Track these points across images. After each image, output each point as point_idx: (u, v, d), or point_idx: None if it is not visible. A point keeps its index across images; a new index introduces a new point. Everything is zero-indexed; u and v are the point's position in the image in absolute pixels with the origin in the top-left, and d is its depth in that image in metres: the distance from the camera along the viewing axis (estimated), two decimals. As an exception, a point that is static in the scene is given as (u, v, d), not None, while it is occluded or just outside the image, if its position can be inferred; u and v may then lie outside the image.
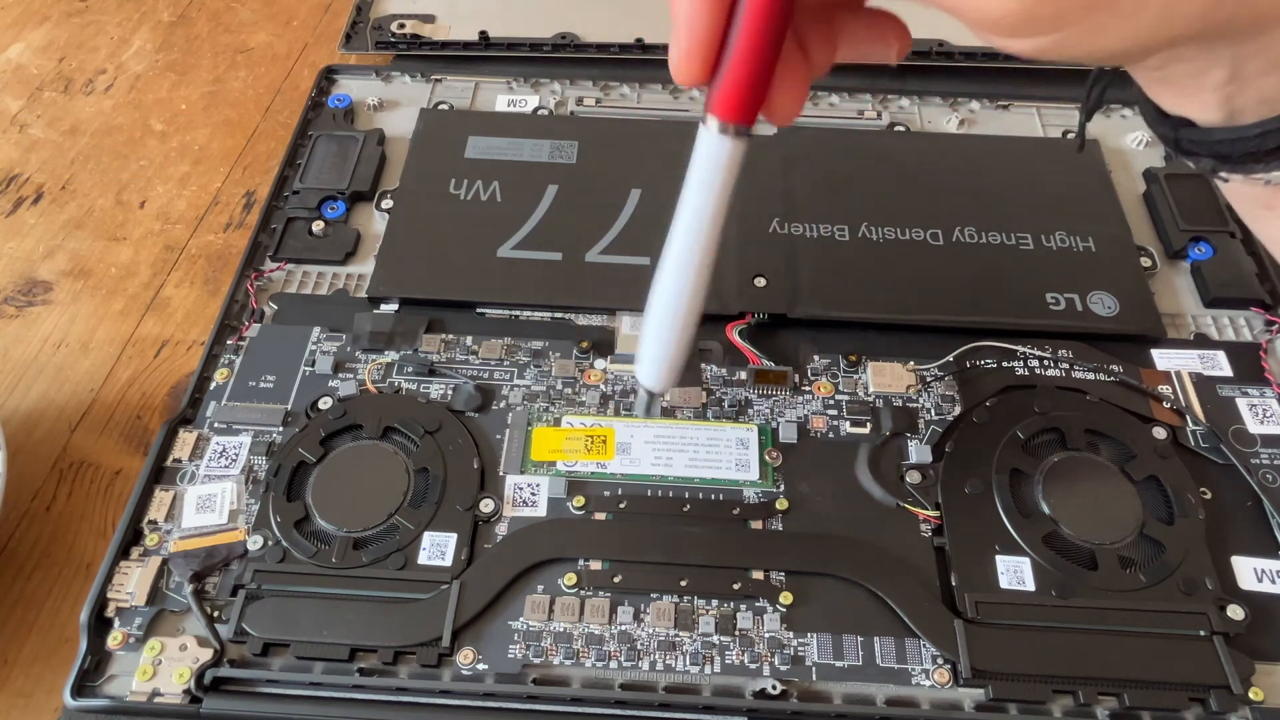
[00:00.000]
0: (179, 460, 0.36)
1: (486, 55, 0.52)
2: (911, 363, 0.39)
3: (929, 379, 0.38)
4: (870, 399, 0.38)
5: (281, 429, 0.37)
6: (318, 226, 0.43)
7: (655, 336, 0.25)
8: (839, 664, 0.31)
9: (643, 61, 0.51)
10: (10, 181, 0.48)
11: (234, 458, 0.36)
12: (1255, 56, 0.20)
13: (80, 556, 0.36)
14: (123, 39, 0.55)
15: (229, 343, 0.39)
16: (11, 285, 0.44)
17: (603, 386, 0.38)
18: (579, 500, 0.35)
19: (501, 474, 0.36)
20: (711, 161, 0.22)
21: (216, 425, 0.37)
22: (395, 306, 0.41)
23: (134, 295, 0.44)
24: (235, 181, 0.48)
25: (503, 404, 0.38)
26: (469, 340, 0.39)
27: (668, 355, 0.26)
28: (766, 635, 0.32)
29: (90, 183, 0.48)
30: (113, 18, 0.56)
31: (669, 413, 0.37)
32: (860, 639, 0.32)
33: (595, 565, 0.33)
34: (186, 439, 0.36)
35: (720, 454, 0.36)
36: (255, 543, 0.34)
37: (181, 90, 0.53)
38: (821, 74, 0.24)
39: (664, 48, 0.52)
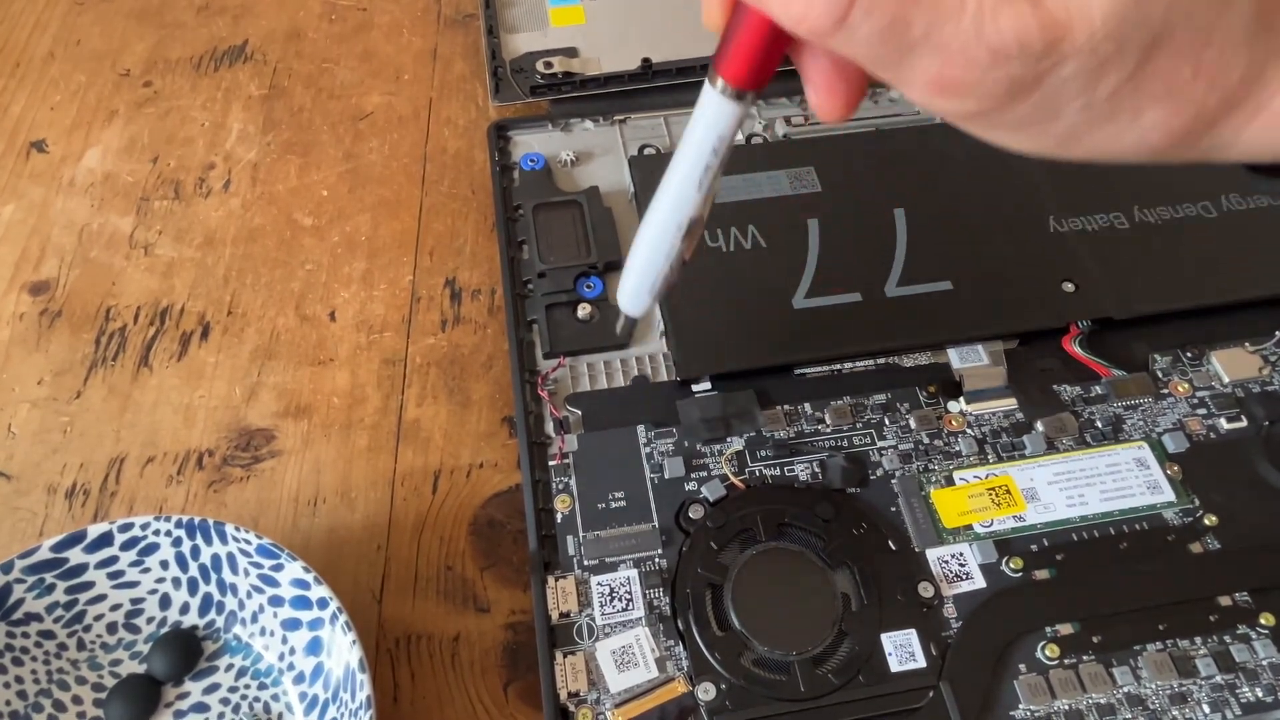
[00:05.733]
0: (567, 614, 0.31)
1: (653, 86, 0.47)
2: (1246, 344, 0.38)
3: (1271, 357, 0.38)
4: (1229, 389, 0.37)
5: (661, 551, 0.32)
6: (583, 310, 0.38)
7: (642, 268, 0.26)
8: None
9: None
10: (163, 317, 0.40)
11: (628, 597, 0.31)
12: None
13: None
14: (217, 124, 0.47)
15: (552, 464, 0.34)
16: (226, 442, 0.37)
17: (969, 430, 0.35)
18: (1016, 562, 0.32)
19: (917, 550, 0.33)
20: (708, 118, 0.23)
21: (587, 563, 0.32)
22: (708, 385, 0.36)
23: (375, 425, 0.38)
24: (427, 271, 0.42)
25: (879, 471, 0.34)
26: (808, 408, 0.36)
27: (651, 285, 0.27)
28: (1266, 662, 0.31)
29: (259, 301, 0.41)
30: (193, 101, 0.48)
31: (1051, 445, 0.35)
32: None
33: (1066, 629, 0.31)
34: (564, 588, 0.31)
35: (1127, 479, 0.34)
36: (707, 691, 0.29)
37: (313, 173, 0.45)
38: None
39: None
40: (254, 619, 0.32)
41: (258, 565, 0.31)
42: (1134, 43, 0.18)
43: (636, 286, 0.27)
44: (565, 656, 0.30)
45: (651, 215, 0.25)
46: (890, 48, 0.18)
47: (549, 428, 0.36)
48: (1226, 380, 0.37)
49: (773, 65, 0.21)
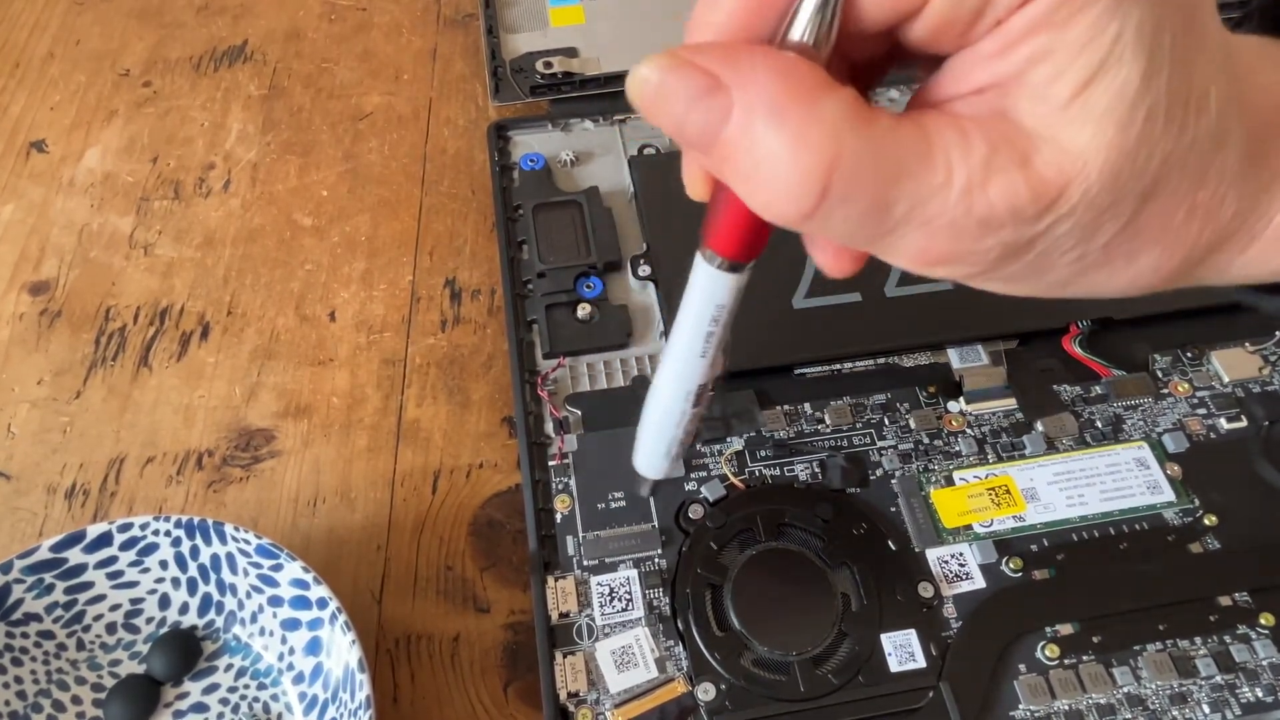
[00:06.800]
0: (567, 614, 0.31)
1: (653, 84, 0.47)
2: (1246, 344, 0.38)
3: (1271, 357, 0.38)
4: (1229, 389, 0.37)
5: (661, 551, 0.32)
6: (583, 310, 0.38)
7: (655, 435, 0.26)
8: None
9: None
10: (162, 317, 0.40)
11: (628, 597, 0.31)
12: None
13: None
14: (216, 124, 0.47)
15: (552, 464, 0.34)
16: (226, 442, 0.37)
17: (969, 430, 0.35)
18: (1016, 562, 0.32)
19: (917, 550, 0.33)
20: (704, 289, 0.22)
21: (587, 564, 0.32)
22: (708, 385, 0.36)
23: (374, 425, 0.38)
24: (427, 271, 0.42)
25: (879, 471, 0.34)
26: (808, 408, 0.36)
27: (666, 450, 0.26)
28: (1266, 662, 0.31)
29: (258, 301, 0.41)
30: (192, 101, 0.48)
31: (1051, 445, 0.35)
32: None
33: (1066, 629, 0.31)
34: (564, 588, 0.31)
35: (1126, 479, 0.34)
36: (706, 691, 0.29)
37: (313, 173, 0.45)
38: None
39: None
40: (253, 619, 0.32)
41: (257, 565, 0.31)
42: (1130, 193, 0.17)
43: (652, 452, 0.27)
44: (565, 656, 0.30)
45: (659, 384, 0.24)
46: (871, 229, 0.17)
47: (549, 428, 0.36)
48: (1226, 380, 0.37)
49: (763, 239, 0.20)
